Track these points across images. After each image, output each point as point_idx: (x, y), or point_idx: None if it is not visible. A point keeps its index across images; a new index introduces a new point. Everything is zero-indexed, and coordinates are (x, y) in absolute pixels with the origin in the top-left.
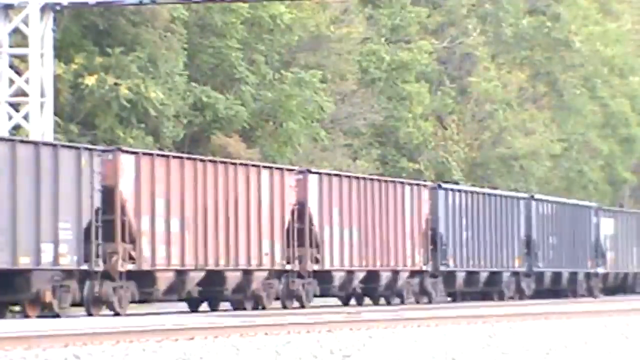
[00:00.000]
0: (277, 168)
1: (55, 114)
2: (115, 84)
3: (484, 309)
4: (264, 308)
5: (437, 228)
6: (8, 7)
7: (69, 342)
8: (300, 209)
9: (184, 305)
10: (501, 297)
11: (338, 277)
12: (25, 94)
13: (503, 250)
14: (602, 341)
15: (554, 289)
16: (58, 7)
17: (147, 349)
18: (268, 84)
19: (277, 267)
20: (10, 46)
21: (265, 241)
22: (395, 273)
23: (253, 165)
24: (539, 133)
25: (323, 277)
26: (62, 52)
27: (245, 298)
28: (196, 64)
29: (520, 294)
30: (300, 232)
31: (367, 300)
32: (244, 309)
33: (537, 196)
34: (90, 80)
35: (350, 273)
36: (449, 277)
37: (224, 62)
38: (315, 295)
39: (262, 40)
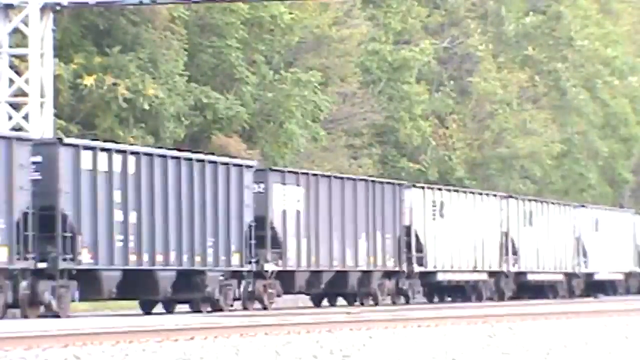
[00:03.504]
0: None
1: (55, 114)
2: (114, 84)
3: (484, 309)
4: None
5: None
6: (8, 7)
7: (69, 342)
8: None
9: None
10: None
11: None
12: (25, 94)
13: None
14: (602, 341)
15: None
16: (58, 7)
17: (147, 349)
18: (268, 84)
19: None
20: (10, 46)
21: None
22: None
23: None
24: (539, 133)
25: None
26: (62, 52)
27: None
28: (196, 64)
29: None
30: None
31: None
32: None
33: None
34: (88, 81)
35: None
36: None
37: (224, 62)
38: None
39: (262, 40)
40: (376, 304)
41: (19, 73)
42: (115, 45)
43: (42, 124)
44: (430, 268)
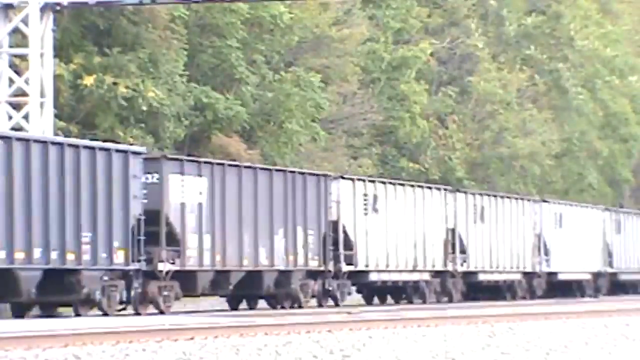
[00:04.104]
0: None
1: (55, 114)
2: (114, 83)
3: (484, 309)
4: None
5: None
6: (8, 7)
7: (69, 342)
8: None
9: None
10: None
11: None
12: (25, 94)
13: None
14: (602, 341)
15: None
16: (58, 7)
17: (147, 349)
18: (268, 84)
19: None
20: (10, 46)
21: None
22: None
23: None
24: (538, 133)
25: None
26: (62, 52)
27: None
28: (196, 64)
29: None
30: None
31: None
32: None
33: None
34: (88, 81)
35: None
36: None
37: (224, 62)
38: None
39: (262, 40)
40: (299, 306)
41: (19, 73)
42: (115, 45)
43: (42, 124)
44: (361, 267)
